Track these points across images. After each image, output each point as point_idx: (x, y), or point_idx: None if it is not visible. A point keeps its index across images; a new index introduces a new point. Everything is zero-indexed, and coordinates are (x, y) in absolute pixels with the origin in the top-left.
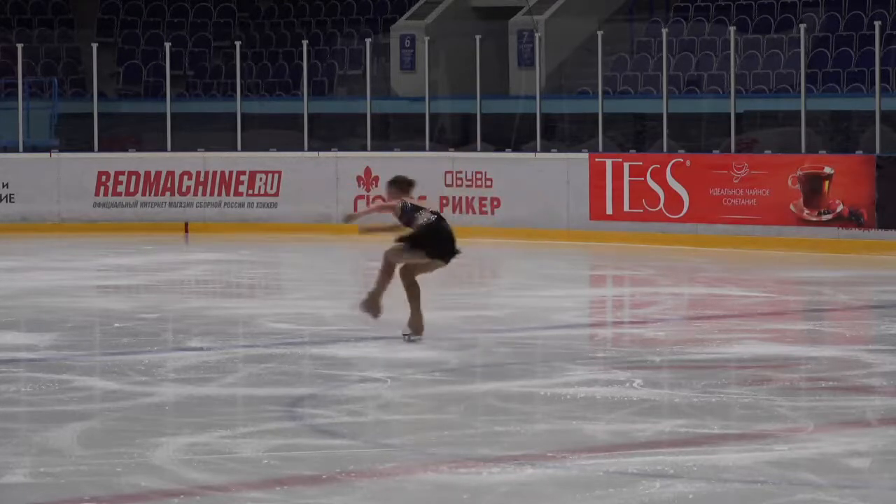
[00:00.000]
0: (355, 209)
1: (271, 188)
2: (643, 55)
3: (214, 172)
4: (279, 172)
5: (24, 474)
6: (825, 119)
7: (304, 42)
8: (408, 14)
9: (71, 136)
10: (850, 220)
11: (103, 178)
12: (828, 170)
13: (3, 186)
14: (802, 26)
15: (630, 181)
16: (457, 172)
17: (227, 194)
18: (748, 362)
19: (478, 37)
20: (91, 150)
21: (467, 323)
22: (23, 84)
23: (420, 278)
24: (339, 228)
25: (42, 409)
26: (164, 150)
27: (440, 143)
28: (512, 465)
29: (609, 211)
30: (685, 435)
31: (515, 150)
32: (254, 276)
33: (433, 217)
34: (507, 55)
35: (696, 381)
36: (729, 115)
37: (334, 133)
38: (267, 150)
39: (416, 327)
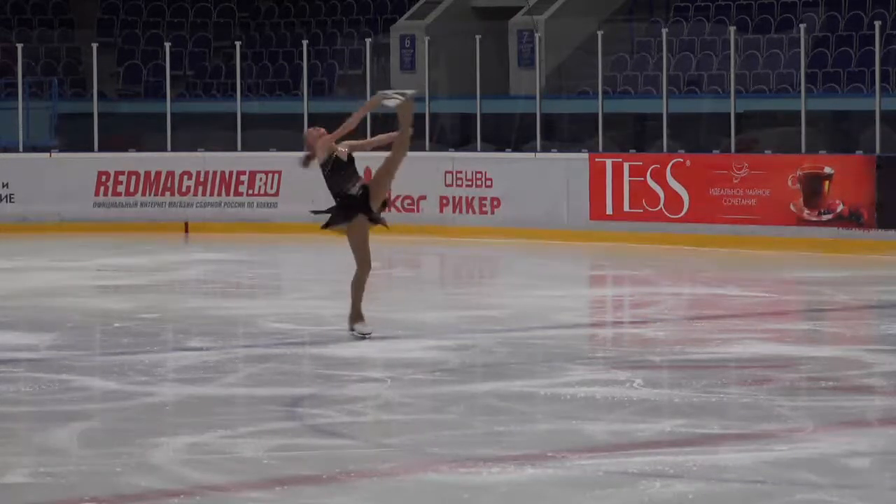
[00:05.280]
0: None
1: (271, 188)
2: (643, 55)
3: (214, 172)
4: (279, 172)
5: (24, 474)
6: (825, 119)
7: (304, 42)
8: (408, 14)
9: (71, 136)
10: (850, 220)
11: (103, 178)
12: (828, 170)
13: (3, 186)
14: (802, 26)
15: (630, 181)
16: (457, 172)
17: (227, 194)
18: (748, 362)
19: (478, 37)
20: (91, 150)
21: (467, 323)
22: (23, 84)
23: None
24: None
25: (42, 409)
26: (164, 150)
27: (440, 143)
28: (512, 465)
29: (609, 211)
30: (685, 435)
31: (515, 150)
32: (254, 276)
33: (360, 191)
34: (507, 55)
35: (696, 381)
36: (729, 115)
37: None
38: (267, 150)
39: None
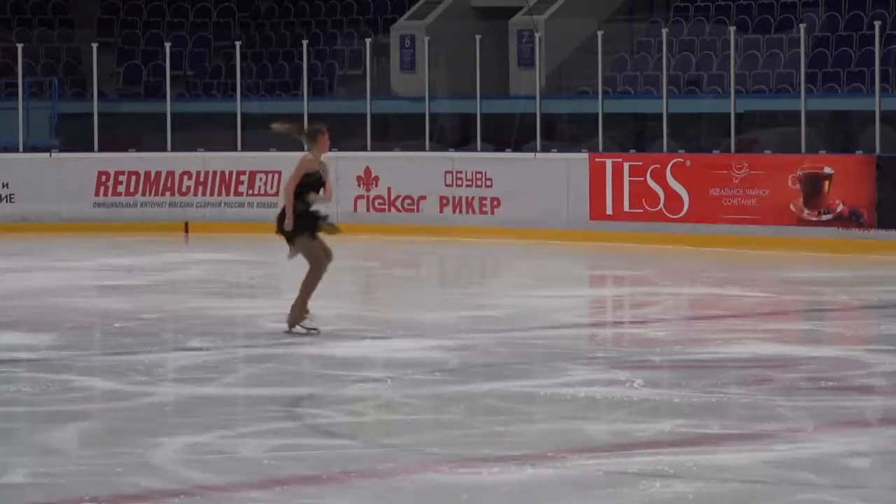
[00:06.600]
0: (355, 209)
1: (271, 188)
2: (643, 55)
3: (214, 172)
4: (279, 172)
5: (24, 474)
6: (825, 119)
7: (304, 42)
8: (408, 14)
9: (71, 136)
10: (850, 220)
11: (103, 178)
12: (828, 170)
13: (3, 186)
14: (802, 26)
15: (630, 181)
16: (457, 172)
17: (227, 194)
18: (748, 362)
19: (478, 37)
20: (91, 150)
21: (467, 323)
22: (23, 84)
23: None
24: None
25: (42, 409)
26: (164, 150)
27: (440, 143)
28: (512, 465)
29: (609, 211)
30: (685, 435)
31: (515, 150)
32: (254, 276)
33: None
34: (507, 55)
35: (696, 381)
36: (729, 115)
37: (334, 133)
38: (267, 150)
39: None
